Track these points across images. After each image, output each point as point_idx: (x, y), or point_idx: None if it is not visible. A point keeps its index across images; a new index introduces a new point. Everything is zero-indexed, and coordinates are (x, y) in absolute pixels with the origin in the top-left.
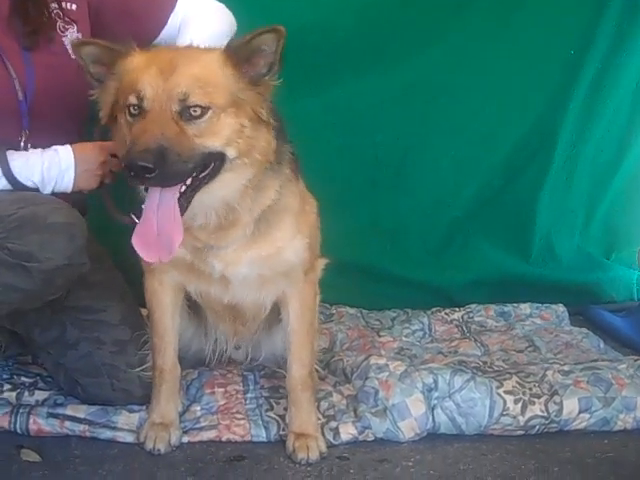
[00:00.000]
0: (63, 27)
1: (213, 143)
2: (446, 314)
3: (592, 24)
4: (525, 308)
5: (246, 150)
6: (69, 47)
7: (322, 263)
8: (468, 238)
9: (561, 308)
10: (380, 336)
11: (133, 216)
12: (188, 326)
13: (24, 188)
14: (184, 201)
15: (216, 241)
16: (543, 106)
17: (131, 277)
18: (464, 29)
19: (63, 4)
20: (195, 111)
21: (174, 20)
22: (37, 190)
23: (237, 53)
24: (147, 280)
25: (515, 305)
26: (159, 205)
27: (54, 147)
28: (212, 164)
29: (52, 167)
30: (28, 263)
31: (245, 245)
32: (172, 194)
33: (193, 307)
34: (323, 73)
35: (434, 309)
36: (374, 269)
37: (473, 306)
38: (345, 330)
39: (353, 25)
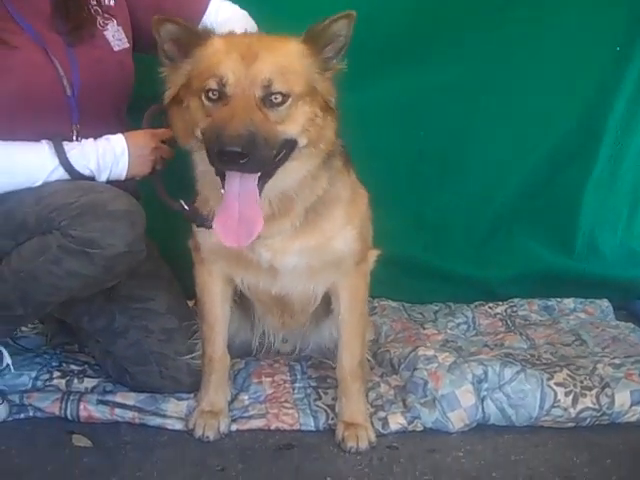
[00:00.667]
0: (103, 22)
1: (291, 130)
2: (490, 308)
3: (637, 20)
4: (569, 303)
5: (315, 139)
6: (110, 41)
7: (374, 254)
8: (511, 233)
9: (605, 303)
10: (424, 328)
11: (183, 202)
12: (234, 318)
13: (81, 177)
14: (260, 187)
15: (265, 230)
16: (588, 102)
17: (178, 268)
18: (510, 25)
19: (102, 0)
20: (276, 98)
21: (205, 23)
22: (93, 178)
23: (315, 40)
24: (197, 271)
25: (559, 300)
26: (240, 191)
27: (106, 136)
28: (283, 151)
29: (107, 154)
30: (91, 249)
31: (294, 235)
32: (252, 180)
33: (240, 299)
34: (367, 68)
35: (477, 303)
36: (417, 263)
37: (516, 300)
38: (389, 322)
39: (398, 20)
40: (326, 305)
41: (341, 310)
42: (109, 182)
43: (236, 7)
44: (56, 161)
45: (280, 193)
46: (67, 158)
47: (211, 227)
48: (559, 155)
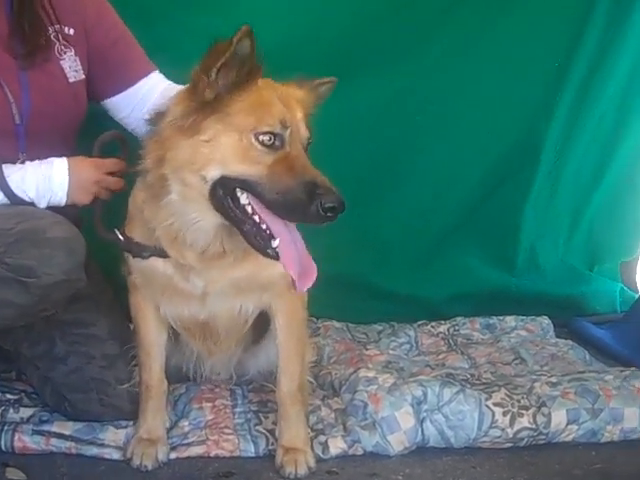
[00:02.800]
0: (61, 50)
1: None
2: (432, 327)
3: (576, 36)
4: (510, 320)
5: None
6: (67, 71)
7: None
8: (453, 251)
9: (546, 320)
10: (367, 349)
11: (117, 232)
12: (168, 341)
13: (21, 202)
14: None
15: (205, 264)
16: (528, 117)
17: (121, 292)
18: (451, 40)
19: (63, 28)
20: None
21: (140, 88)
22: (33, 204)
23: (311, 95)
24: (131, 296)
25: (500, 318)
26: (293, 238)
27: (51, 160)
28: None
29: (46, 181)
30: (27, 278)
31: (230, 265)
32: (294, 226)
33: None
34: None
35: (420, 322)
36: (360, 283)
37: (459, 319)
38: (332, 344)
39: (341, 32)
40: (260, 329)
41: (278, 332)
42: (49, 207)
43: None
44: None
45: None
46: (7, 183)
47: (147, 257)
48: (499, 171)
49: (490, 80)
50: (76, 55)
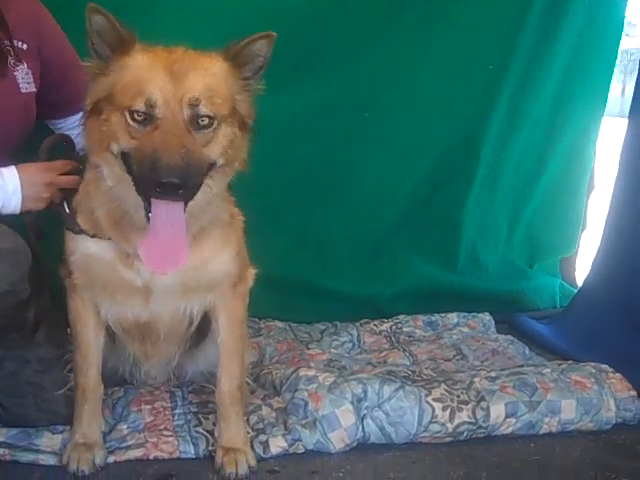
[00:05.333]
0: (14, 63)
1: (215, 153)
2: (375, 325)
3: (511, 39)
4: (452, 317)
5: (232, 160)
6: (19, 82)
7: (252, 274)
8: (395, 250)
9: (487, 317)
10: (309, 349)
11: (65, 205)
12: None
13: None
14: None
15: None
16: (466, 119)
17: (56, 296)
18: (389, 44)
19: (16, 42)
20: (203, 120)
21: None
22: None
23: (236, 59)
24: (70, 298)
25: (443, 315)
26: (167, 219)
27: (0, 170)
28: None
29: None
30: None
31: None
32: (180, 207)
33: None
34: None
35: (363, 321)
36: (302, 282)
37: (401, 317)
38: (274, 344)
39: (287, 31)
40: (199, 334)
41: (220, 332)
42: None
43: None
44: None
45: (187, 213)
46: None
47: (78, 232)
48: (439, 172)
49: (430, 82)
50: (28, 69)
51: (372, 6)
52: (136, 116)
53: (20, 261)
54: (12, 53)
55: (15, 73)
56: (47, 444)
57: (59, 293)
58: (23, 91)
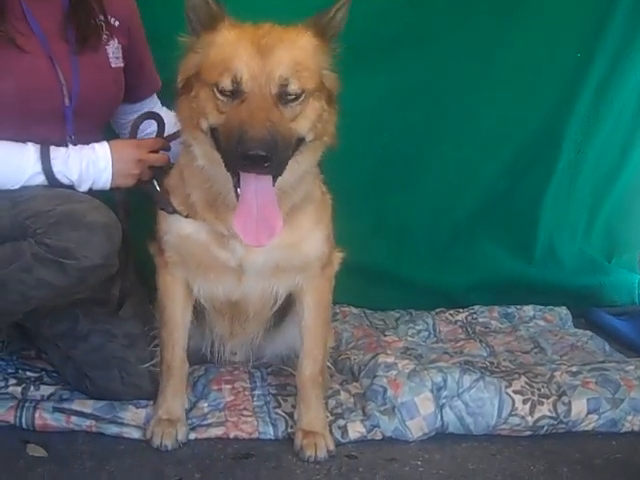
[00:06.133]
0: (106, 38)
1: (303, 127)
2: (450, 315)
3: (599, 26)
4: (528, 310)
5: (321, 133)
6: (110, 56)
7: (339, 258)
8: (472, 240)
9: (564, 310)
10: (385, 335)
11: (156, 183)
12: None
13: (60, 185)
14: (274, 186)
15: None
16: (549, 108)
17: (141, 274)
18: (470, 30)
19: (109, 18)
20: (290, 95)
21: (142, 106)
22: (72, 188)
23: (324, 32)
24: (160, 275)
25: (518, 307)
26: (257, 191)
27: (92, 145)
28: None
29: (90, 167)
30: (65, 260)
31: None
32: (268, 180)
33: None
34: None
35: (438, 310)
36: (378, 269)
37: (477, 307)
38: (350, 329)
39: (357, 23)
40: (279, 315)
41: (305, 315)
42: (95, 191)
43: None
44: (39, 167)
45: (278, 189)
46: (50, 166)
47: (171, 212)
48: (519, 162)
49: (512, 70)
50: (119, 44)
51: None
52: (225, 91)
53: (113, 235)
54: (104, 28)
55: (107, 47)
56: (132, 418)
57: (145, 270)
58: (113, 65)
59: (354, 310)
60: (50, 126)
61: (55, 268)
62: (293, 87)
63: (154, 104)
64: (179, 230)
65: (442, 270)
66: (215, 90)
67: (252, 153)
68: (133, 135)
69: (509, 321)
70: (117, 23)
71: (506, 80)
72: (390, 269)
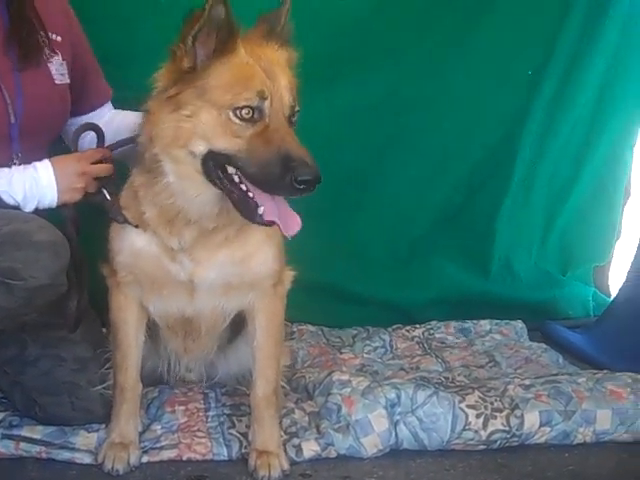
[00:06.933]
0: (49, 54)
1: None
2: (407, 331)
3: (549, 44)
4: (485, 324)
5: None
6: (54, 73)
7: (290, 276)
8: (428, 256)
9: (520, 324)
10: (342, 353)
11: (105, 192)
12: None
13: (6, 206)
14: None
15: (196, 242)
16: (502, 124)
17: (92, 296)
18: (427, 47)
19: (50, 35)
20: (294, 117)
21: (96, 116)
22: (18, 208)
23: (286, 42)
24: (113, 295)
25: (475, 322)
26: (277, 203)
27: (33, 164)
28: None
29: (33, 186)
30: (12, 280)
31: (218, 246)
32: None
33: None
34: None
35: (395, 326)
36: (335, 287)
37: (433, 323)
38: (306, 347)
39: (327, 32)
40: (231, 332)
41: (257, 334)
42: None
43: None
44: None
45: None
46: None
47: (122, 222)
48: (474, 178)
49: (464, 89)
50: (63, 60)
51: (413, 7)
52: (244, 114)
53: (60, 254)
54: (47, 44)
55: (49, 64)
56: (83, 442)
57: (95, 292)
58: (57, 82)
59: (311, 328)
60: None
61: (1, 289)
62: (297, 108)
63: (108, 111)
64: (131, 245)
65: (399, 287)
66: (230, 113)
67: (308, 178)
68: (75, 148)
69: (465, 336)
70: (59, 38)
71: (461, 96)
72: (347, 286)
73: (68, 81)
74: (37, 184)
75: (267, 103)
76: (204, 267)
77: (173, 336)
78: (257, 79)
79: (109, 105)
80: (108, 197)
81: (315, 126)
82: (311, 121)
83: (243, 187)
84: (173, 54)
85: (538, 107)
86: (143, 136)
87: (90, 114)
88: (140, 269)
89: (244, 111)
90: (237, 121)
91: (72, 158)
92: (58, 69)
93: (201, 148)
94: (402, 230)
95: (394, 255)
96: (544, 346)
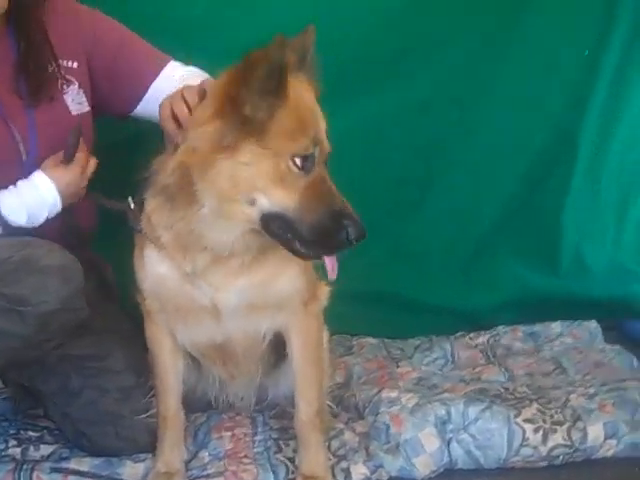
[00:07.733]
0: (64, 84)
1: None
2: (470, 339)
3: (605, 21)
4: (556, 327)
5: None
6: (69, 105)
7: (325, 291)
8: (493, 256)
9: (594, 324)
10: (399, 367)
11: (130, 201)
12: (192, 369)
13: (17, 228)
14: None
15: (209, 267)
16: (561, 110)
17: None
18: (477, 40)
19: (64, 62)
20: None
21: (156, 90)
22: (25, 227)
23: (312, 75)
24: (146, 324)
25: (545, 324)
26: None
27: (34, 183)
28: None
29: (38, 207)
30: (22, 307)
31: (238, 271)
32: None
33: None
34: (334, 92)
35: (458, 334)
36: (396, 295)
37: (500, 328)
38: (362, 362)
39: (363, 39)
40: (276, 351)
41: (294, 356)
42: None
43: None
44: None
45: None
46: (2, 215)
47: (139, 231)
48: (535, 171)
49: (518, 78)
50: (80, 88)
51: (459, 2)
52: (301, 163)
53: (71, 277)
54: (61, 75)
55: (65, 96)
56: (129, 473)
57: (137, 320)
58: (74, 113)
59: (372, 340)
60: (10, 183)
61: (14, 317)
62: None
63: (169, 77)
64: (154, 271)
65: (464, 291)
66: (290, 162)
67: (360, 237)
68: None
69: (534, 341)
70: (75, 65)
71: (514, 87)
72: (409, 295)
73: (88, 109)
74: (42, 204)
75: (318, 149)
76: (224, 292)
77: (211, 363)
78: (310, 123)
79: (168, 71)
80: (132, 206)
81: (366, 133)
82: (361, 128)
83: None
84: (231, 98)
85: (599, 88)
86: (172, 164)
87: (147, 94)
88: (164, 295)
89: (301, 159)
90: (295, 170)
91: (70, 171)
92: (75, 99)
93: (260, 206)
94: (463, 231)
95: (456, 258)
96: (618, 348)
